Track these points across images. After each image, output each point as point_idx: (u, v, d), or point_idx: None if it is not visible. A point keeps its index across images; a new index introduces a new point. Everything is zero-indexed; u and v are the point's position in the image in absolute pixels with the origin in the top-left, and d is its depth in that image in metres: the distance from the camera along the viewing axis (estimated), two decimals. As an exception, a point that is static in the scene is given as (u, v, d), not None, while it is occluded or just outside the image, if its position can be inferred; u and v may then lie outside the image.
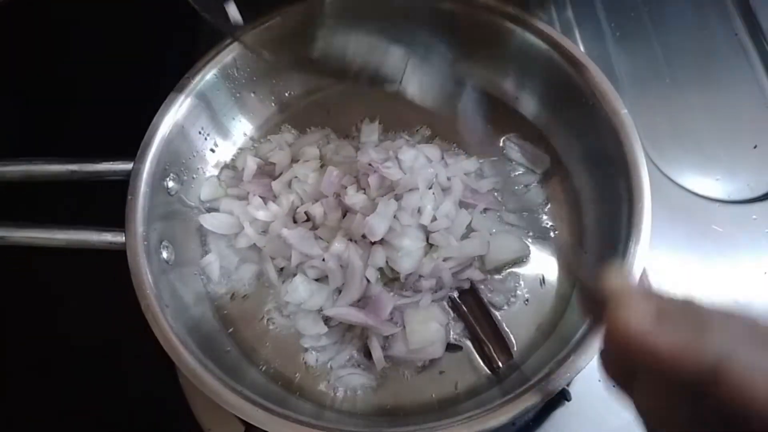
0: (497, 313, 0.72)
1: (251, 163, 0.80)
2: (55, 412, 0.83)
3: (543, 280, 0.74)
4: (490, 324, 0.72)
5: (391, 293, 0.72)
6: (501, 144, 0.83)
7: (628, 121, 0.67)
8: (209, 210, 0.80)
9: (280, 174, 0.80)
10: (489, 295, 0.73)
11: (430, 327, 0.69)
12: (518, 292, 0.74)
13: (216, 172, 0.83)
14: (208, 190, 0.80)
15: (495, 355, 0.70)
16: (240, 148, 0.86)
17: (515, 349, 0.70)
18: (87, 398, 0.82)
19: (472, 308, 0.73)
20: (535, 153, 0.81)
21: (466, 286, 0.73)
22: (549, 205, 0.79)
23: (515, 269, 0.75)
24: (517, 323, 0.72)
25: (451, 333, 0.72)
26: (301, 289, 0.71)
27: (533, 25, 0.75)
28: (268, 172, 0.81)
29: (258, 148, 0.85)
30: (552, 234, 0.77)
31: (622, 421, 0.70)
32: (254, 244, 0.76)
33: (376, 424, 0.66)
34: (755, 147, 0.86)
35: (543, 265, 0.75)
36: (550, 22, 0.97)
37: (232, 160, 0.84)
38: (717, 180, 0.84)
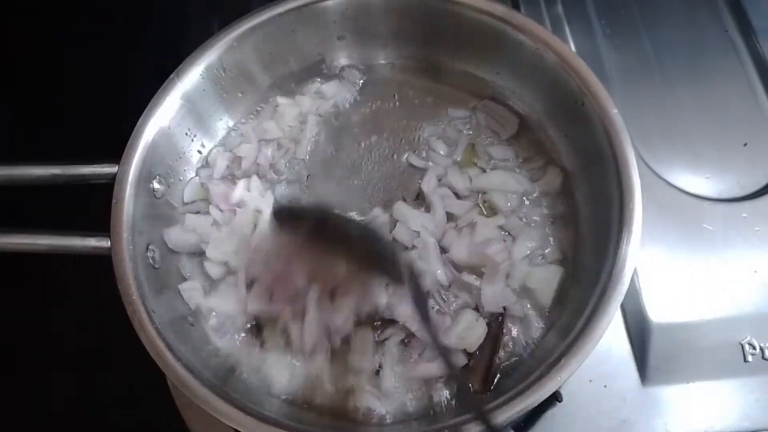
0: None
1: (220, 162, 0.80)
2: (44, 416, 0.82)
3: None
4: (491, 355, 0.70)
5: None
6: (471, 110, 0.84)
7: (619, 121, 0.67)
8: (196, 212, 0.79)
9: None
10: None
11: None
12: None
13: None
14: (190, 192, 0.79)
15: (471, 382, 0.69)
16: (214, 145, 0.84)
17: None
18: (76, 403, 0.82)
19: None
20: (504, 115, 0.82)
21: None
22: (542, 204, 0.78)
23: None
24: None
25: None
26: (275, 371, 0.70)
27: (523, 24, 0.74)
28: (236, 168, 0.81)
29: (227, 143, 0.84)
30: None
31: (613, 421, 0.71)
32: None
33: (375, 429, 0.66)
34: (745, 145, 0.86)
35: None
36: (540, 18, 0.97)
37: (206, 157, 0.83)
38: (707, 178, 0.84)
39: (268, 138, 0.83)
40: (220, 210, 0.77)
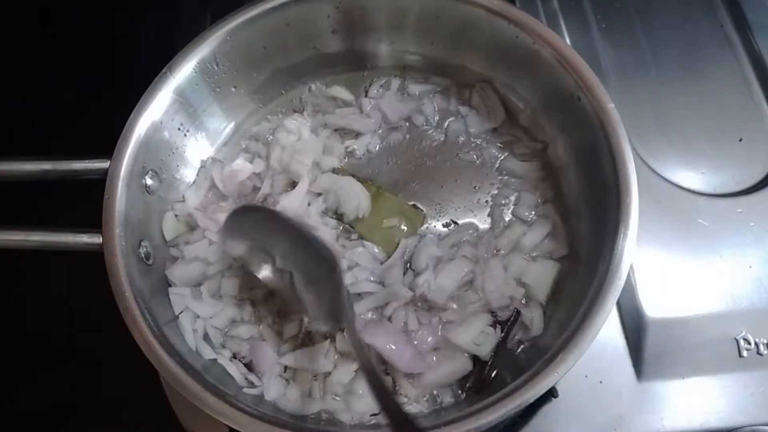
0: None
1: (193, 199, 0.78)
2: (38, 413, 0.81)
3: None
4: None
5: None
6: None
7: (615, 116, 0.66)
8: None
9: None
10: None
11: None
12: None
13: (196, 168, 0.81)
14: (169, 229, 0.76)
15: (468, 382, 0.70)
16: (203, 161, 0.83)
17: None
18: (68, 400, 0.81)
19: None
20: (495, 106, 0.82)
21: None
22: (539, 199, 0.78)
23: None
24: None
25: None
26: (274, 389, 0.69)
27: (519, 19, 0.73)
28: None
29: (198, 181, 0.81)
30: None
31: (608, 416, 0.71)
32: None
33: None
34: (740, 140, 0.86)
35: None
36: (536, 13, 0.96)
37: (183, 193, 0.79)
38: (702, 173, 0.84)
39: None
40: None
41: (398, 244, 0.76)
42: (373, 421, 0.66)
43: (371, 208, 0.78)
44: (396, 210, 0.79)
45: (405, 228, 0.78)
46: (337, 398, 0.68)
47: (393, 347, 0.66)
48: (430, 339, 0.69)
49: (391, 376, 0.69)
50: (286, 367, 0.70)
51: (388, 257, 0.75)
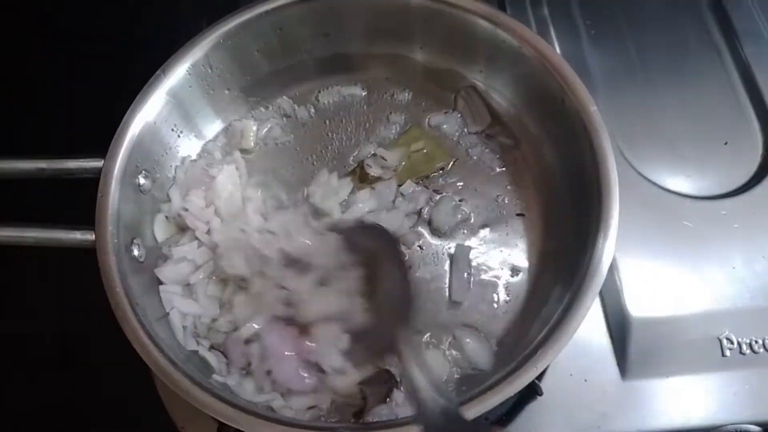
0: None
1: (176, 199, 0.78)
2: (28, 409, 0.82)
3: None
4: None
5: None
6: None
7: (598, 118, 0.68)
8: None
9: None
10: None
11: None
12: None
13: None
14: (160, 230, 0.77)
15: None
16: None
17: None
18: (59, 396, 0.81)
19: None
20: (480, 110, 0.84)
21: None
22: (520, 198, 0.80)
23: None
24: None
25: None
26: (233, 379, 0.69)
27: (506, 23, 0.75)
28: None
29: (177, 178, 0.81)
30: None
31: (593, 414, 0.71)
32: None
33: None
34: (725, 144, 0.88)
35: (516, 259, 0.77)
36: (526, 20, 0.98)
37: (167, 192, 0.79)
38: (688, 176, 0.86)
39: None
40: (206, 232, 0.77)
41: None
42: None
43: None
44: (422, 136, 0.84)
45: (426, 150, 0.83)
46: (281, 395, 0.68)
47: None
48: None
49: None
50: (250, 362, 0.70)
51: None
